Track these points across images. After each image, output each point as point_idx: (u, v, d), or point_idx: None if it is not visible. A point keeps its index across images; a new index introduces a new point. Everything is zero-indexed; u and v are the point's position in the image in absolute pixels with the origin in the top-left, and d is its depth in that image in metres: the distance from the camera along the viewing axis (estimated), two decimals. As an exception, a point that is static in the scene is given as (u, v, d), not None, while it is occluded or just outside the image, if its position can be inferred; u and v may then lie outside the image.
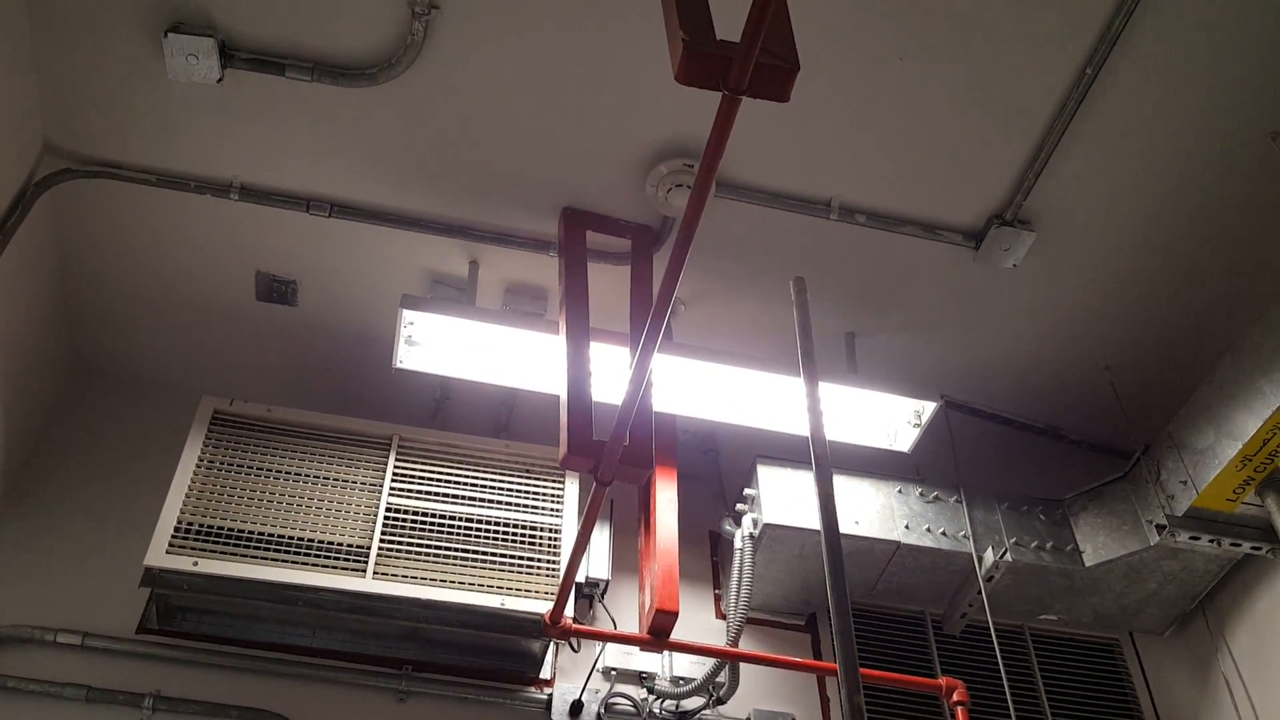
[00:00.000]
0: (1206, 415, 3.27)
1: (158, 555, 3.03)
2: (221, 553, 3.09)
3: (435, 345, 3.34)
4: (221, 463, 3.28)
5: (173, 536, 3.07)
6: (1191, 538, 3.34)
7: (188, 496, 3.16)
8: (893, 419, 3.52)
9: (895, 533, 3.48)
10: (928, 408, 3.46)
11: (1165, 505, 3.38)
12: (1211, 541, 3.35)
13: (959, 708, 3.16)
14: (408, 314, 3.24)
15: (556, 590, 3.24)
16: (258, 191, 3.33)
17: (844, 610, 2.06)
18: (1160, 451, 3.44)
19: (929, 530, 3.55)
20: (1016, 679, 3.70)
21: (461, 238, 3.45)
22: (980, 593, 3.51)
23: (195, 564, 3.04)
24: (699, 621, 3.66)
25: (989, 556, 3.51)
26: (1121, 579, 3.60)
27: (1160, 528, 3.37)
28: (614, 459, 2.71)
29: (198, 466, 3.24)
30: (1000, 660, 3.29)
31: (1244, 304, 3.41)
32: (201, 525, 3.12)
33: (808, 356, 2.41)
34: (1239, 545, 3.36)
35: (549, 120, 3.14)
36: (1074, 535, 3.63)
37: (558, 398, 3.44)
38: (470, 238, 3.45)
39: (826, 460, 2.21)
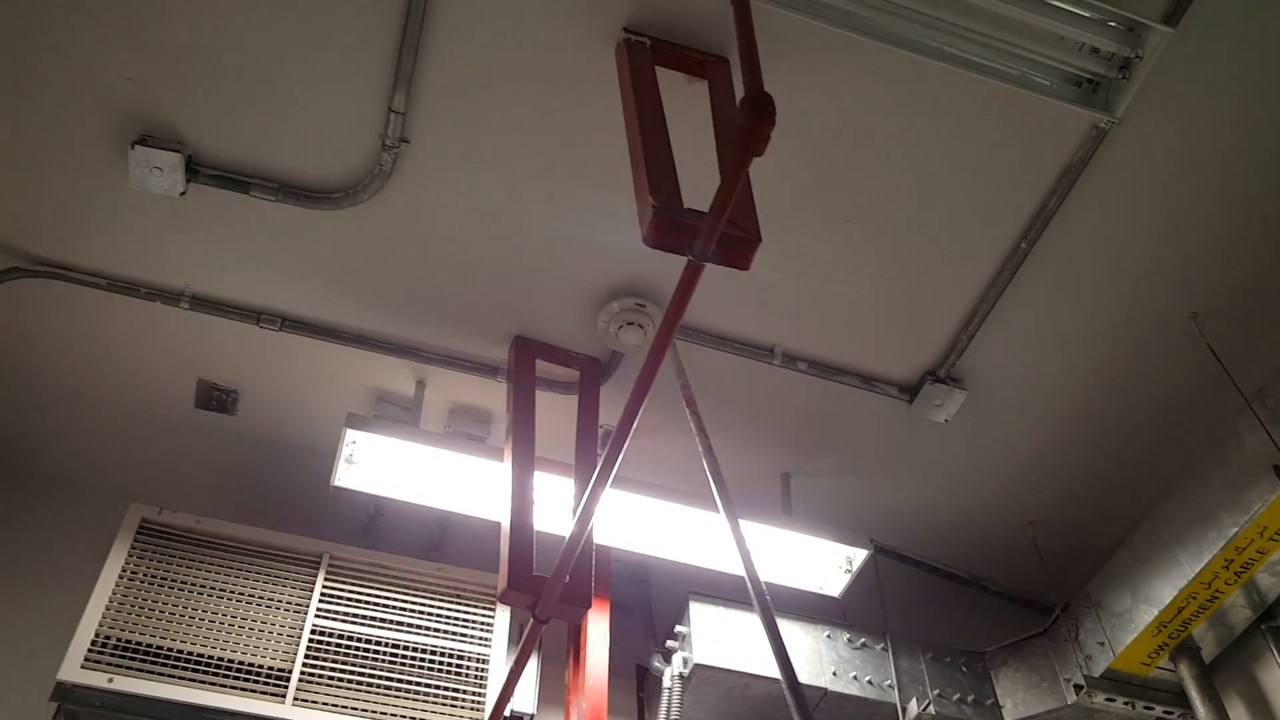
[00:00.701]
0: (1125, 579, 3.38)
1: (72, 670, 2.91)
2: (139, 670, 2.98)
3: (375, 464, 3.33)
4: (145, 575, 3.19)
5: (89, 650, 2.96)
6: (1107, 699, 3.42)
7: (107, 609, 3.06)
8: (824, 563, 3.58)
9: (823, 679, 3.50)
10: (859, 555, 3.53)
11: (1083, 665, 3.46)
12: (1126, 704, 3.43)
13: None
14: (351, 433, 3.23)
15: (480, 724, 3.19)
16: (209, 301, 3.33)
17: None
18: (1079, 611, 3.54)
19: (855, 678, 3.57)
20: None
21: (410, 358, 3.47)
22: (903, 743, 3.53)
23: (110, 680, 2.93)
24: (622, 759, 3.62)
25: (913, 708, 3.54)
26: (1039, 735, 3.66)
27: (1078, 687, 3.45)
28: (553, 597, 2.72)
29: (120, 577, 3.14)
30: (920, 814, 3.30)
31: (1164, 469, 3.56)
32: (120, 640, 3.02)
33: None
34: (1152, 709, 3.45)
35: (507, 253, 3.21)
36: (994, 689, 3.69)
37: (492, 522, 3.45)
38: (419, 359, 3.48)
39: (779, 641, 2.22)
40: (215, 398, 3.58)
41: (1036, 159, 2.96)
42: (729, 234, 2.06)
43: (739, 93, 1.90)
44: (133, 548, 3.22)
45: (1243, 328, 3.31)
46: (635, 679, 3.90)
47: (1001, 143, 2.93)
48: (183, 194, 3.03)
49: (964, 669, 3.72)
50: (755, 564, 2.39)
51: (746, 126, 1.80)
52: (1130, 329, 3.36)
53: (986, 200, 3.06)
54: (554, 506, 3.33)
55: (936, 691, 3.60)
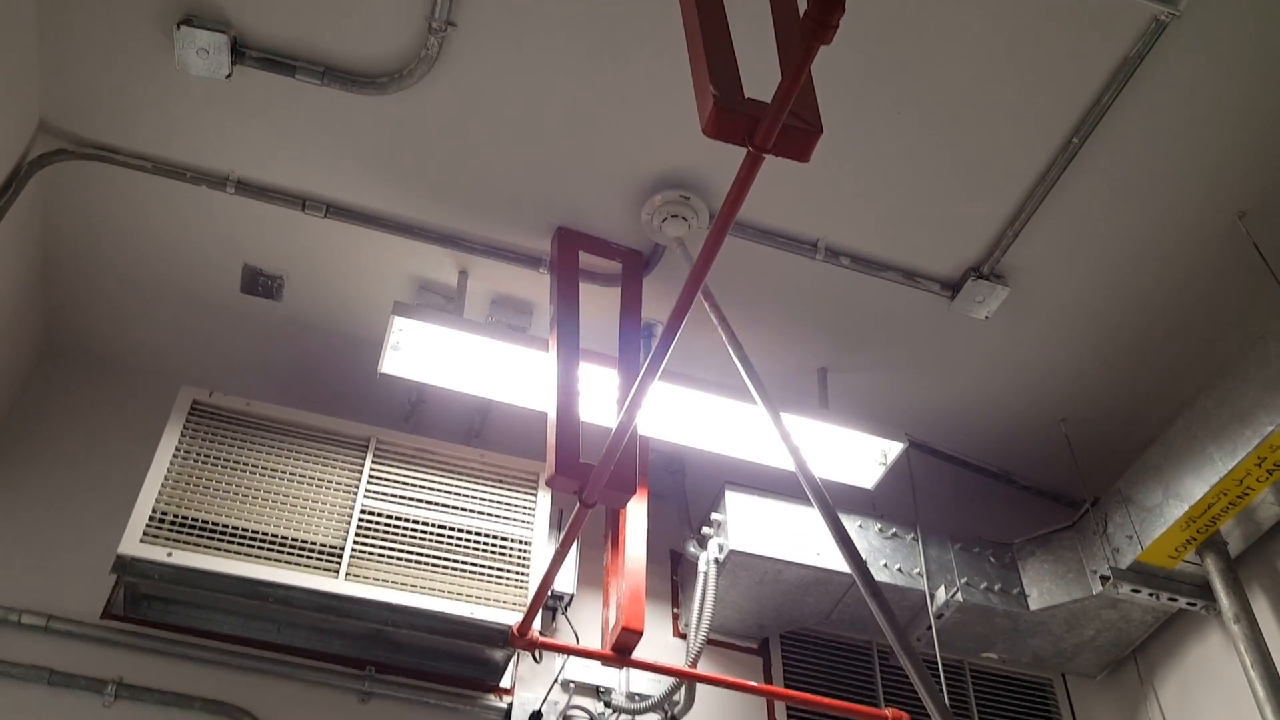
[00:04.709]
0: (1156, 475, 3.43)
1: (132, 544, 3.02)
2: (196, 545, 3.09)
3: (421, 352, 3.38)
4: (199, 454, 3.28)
5: (147, 525, 3.07)
6: (1133, 590, 3.51)
7: (163, 486, 3.16)
8: (859, 456, 3.63)
9: (854, 566, 3.59)
10: (893, 448, 3.58)
11: (1110, 557, 3.54)
12: (1151, 595, 3.51)
13: (903, 739, 3.28)
14: (398, 320, 3.27)
15: (523, 601, 3.30)
16: (254, 186, 3.34)
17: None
18: (1109, 505, 3.61)
19: (885, 566, 3.67)
20: (955, 713, 3.84)
21: (453, 248, 3.49)
22: (930, 628, 3.63)
23: (169, 555, 3.05)
24: (657, 639, 3.74)
25: (941, 595, 3.64)
26: (1062, 624, 3.76)
27: (1104, 578, 3.53)
28: (600, 483, 2.78)
29: (174, 456, 3.23)
30: (945, 694, 3.42)
31: (1200, 371, 3.58)
32: (177, 516, 3.13)
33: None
34: (1176, 600, 3.54)
35: (552, 142, 3.20)
36: (1021, 579, 3.78)
37: (531, 410, 3.52)
38: (462, 248, 3.49)
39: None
40: (261, 283, 3.62)
41: (1093, 52, 2.91)
42: (790, 125, 2.04)
43: (801, -20, 1.87)
44: (185, 428, 3.31)
45: (1291, 228, 3.29)
46: (669, 564, 4.01)
47: (1058, 35, 2.88)
48: (228, 76, 3.02)
49: (992, 559, 3.81)
50: (797, 457, 2.45)
51: (814, 13, 1.78)
52: (1176, 227, 3.34)
53: (1040, 94, 3.02)
54: (596, 397, 3.38)
55: (964, 580, 3.70)
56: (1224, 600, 3.37)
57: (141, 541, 3.05)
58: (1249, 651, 3.27)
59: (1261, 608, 3.41)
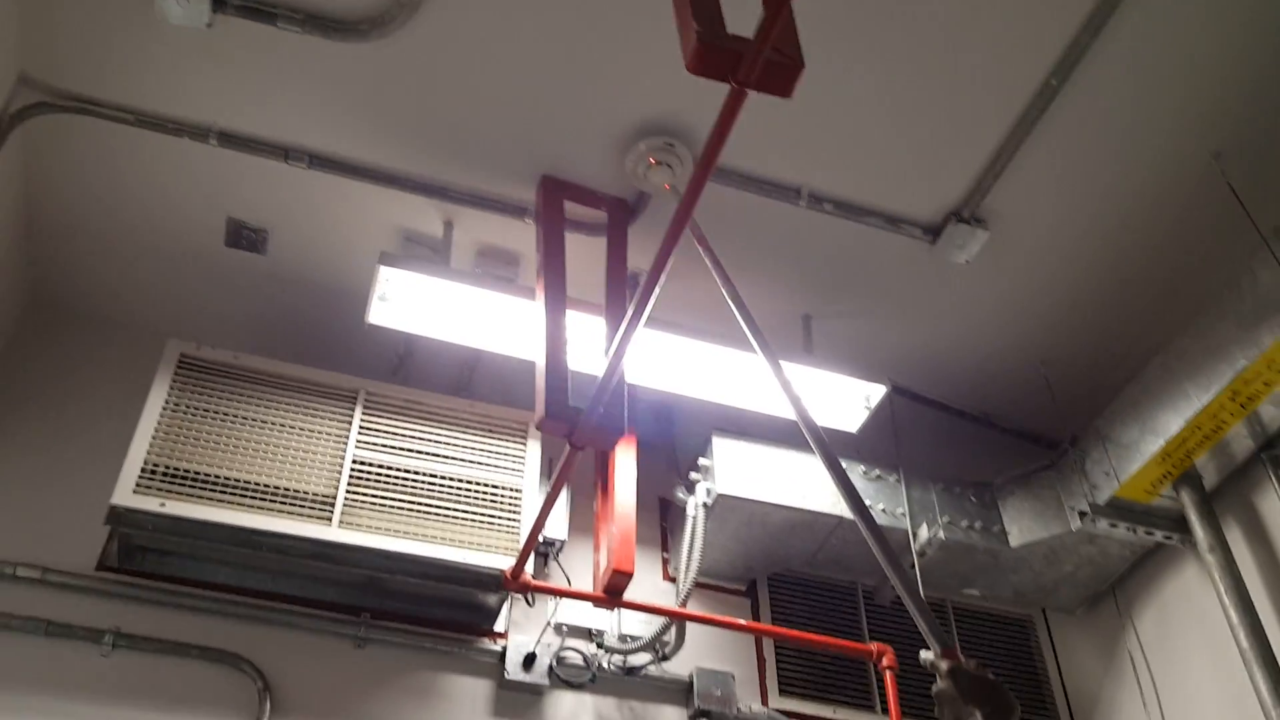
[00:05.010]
0: (1133, 412, 3.51)
1: (125, 495, 3.04)
2: (189, 495, 3.12)
3: (408, 302, 3.40)
4: (188, 406, 3.29)
5: (139, 477, 3.09)
6: (1110, 525, 3.59)
7: (154, 438, 3.17)
8: (843, 401, 3.69)
9: (840, 507, 3.66)
10: (876, 392, 3.64)
11: (1088, 494, 3.62)
12: (1128, 529, 3.60)
13: (888, 672, 3.37)
14: (384, 270, 3.28)
15: (515, 546, 3.35)
16: (236, 138, 3.33)
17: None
18: (1087, 443, 3.68)
19: (870, 507, 3.73)
20: (938, 649, 3.92)
21: (438, 198, 3.50)
22: (913, 566, 3.71)
23: (162, 505, 3.07)
24: (647, 582, 3.80)
25: (923, 533, 3.72)
26: (1041, 560, 3.85)
27: (1082, 514, 3.61)
28: (590, 425, 2.83)
29: (164, 409, 3.25)
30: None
31: (1178, 311, 3.63)
32: (168, 467, 3.15)
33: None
34: (1152, 534, 3.62)
35: (534, 89, 3.20)
36: (1001, 517, 3.86)
37: (519, 362, 3.55)
38: (447, 198, 3.50)
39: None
40: (245, 236, 3.62)
41: (1072, -8, 2.94)
42: (772, 60, 2.06)
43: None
44: (174, 381, 3.32)
45: (1264, 167, 3.34)
46: (658, 512, 4.07)
47: (1038, -25, 2.90)
48: (209, 25, 3.00)
49: (973, 498, 3.89)
50: (782, 401, 2.50)
51: (798, -53, 1.80)
52: (1154, 169, 3.39)
53: (1019, 35, 3.04)
54: (582, 345, 3.41)
55: (946, 518, 3.77)
56: (1199, 533, 3.46)
57: (134, 493, 3.07)
58: (1223, 581, 3.36)
59: (1236, 539, 3.49)
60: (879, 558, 2.14)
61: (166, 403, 3.27)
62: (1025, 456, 4.00)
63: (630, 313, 2.49)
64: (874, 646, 3.44)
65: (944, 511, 3.81)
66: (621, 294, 3.33)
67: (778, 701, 3.71)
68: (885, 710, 3.50)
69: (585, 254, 3.53)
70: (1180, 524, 3.58)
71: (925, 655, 1.85)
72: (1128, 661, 3.88)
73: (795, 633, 3.62)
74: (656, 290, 2.42)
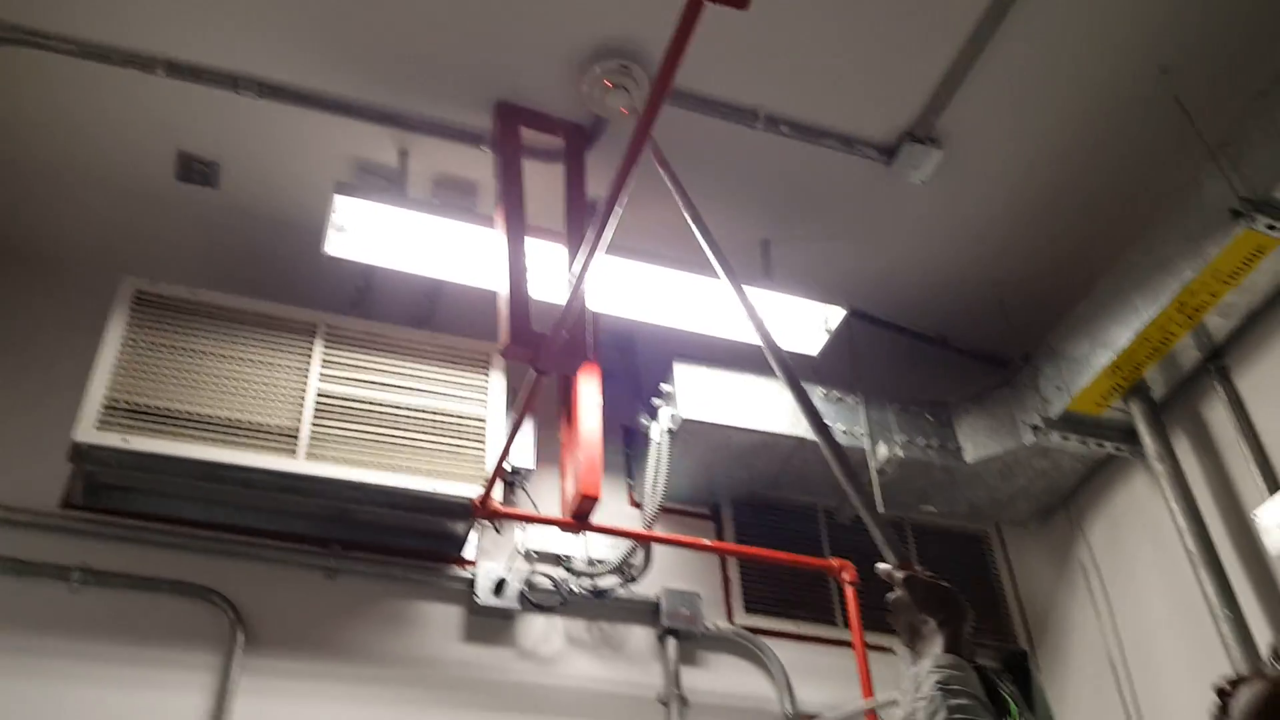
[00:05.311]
0: (1084, 327, 3.59)
1: (87, 431, 3.02)
2: (152, 430, 3.10)
3: (365, 232, 3.38)
4: (146, 342, 3.26)
5: (100, 413, 3.07)
6: (1062, 437, 3.69)
7: (114, 374, 3.15)
8: (802, 324, 3.73)
9: (800, 428, 3.72)
10: (835, 314, 3.69)
11: (1041, 408, 3.71)
12: (1079, 441, 3.71)
13: (849, 586, 3.46)
14: (339, 199, 3.26)
15: (482, 475, 3.37)
16: (184, 68, 3.27)
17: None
18: (1040, 359, 3.77)
19: (829, 426, 3.79)
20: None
21: (392, 125, 3.46)
22: (871, 484, 3.79)
23: (125, 440, 3.05)
24: (613, 508, 3.84)
25: (881, 451, 3.80)
26: (996, 475, 3.95)
27: (1035, 428, 3.71)
28: (553, 350, 2.85)
29: (123, 345, 3.22)
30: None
31: (1129, 228, 3.69)
32: (130, 403, 3.13)
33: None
34: (1103, 446, 3.73)
35: (487, 11, 3.17)
36: (956, 435, 3.96)
37: (480, 293, 3.55)
38: (401, 126, 3.46)
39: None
40: (197, 170, 3.56)
41: (1023, -94, 2.94)
42: (730, -29, 2.07)
43: None
44: (131, 318, 3.29)
45: (1211, 82, 3.39)
46: (622, 438, 4.11)
47: (990, -111, 2.90)
48: (152, -49, 2.93)
49: (929, 417, 3.97)
50: (743, 324, 2.52)
51: None
52: (1104, 87, 3.44)
53: (972, -50, 3.05)
54: (543, 273, 3.41)
55: (903, 438, 3.85)
56: (1148, 443, 3.57)
57: (97, 429, 3.05)
58: (1171, 489, 3.48)
59: (1184, 449, 3.60)
60: (838, 475, 2.17)
61: (124, 339, 3.24)
62: (982, 378, 4.09)
63: (592, 235, 2.51)
64: (835, 561, 3.54)
65: (901, 430, 3.89)
66: (581, 221, 3.34)
67: (743, 618, 3.80)
68: (846, 623, 3.61)
69: (544, 181, 3.52)
70: (1130, 435, 3.69)
71: (882, 566, 1.90)
72: (1079, 571, 4.01)
73: (759, 550, 3.71)
74: (618, 210, 2.44)
